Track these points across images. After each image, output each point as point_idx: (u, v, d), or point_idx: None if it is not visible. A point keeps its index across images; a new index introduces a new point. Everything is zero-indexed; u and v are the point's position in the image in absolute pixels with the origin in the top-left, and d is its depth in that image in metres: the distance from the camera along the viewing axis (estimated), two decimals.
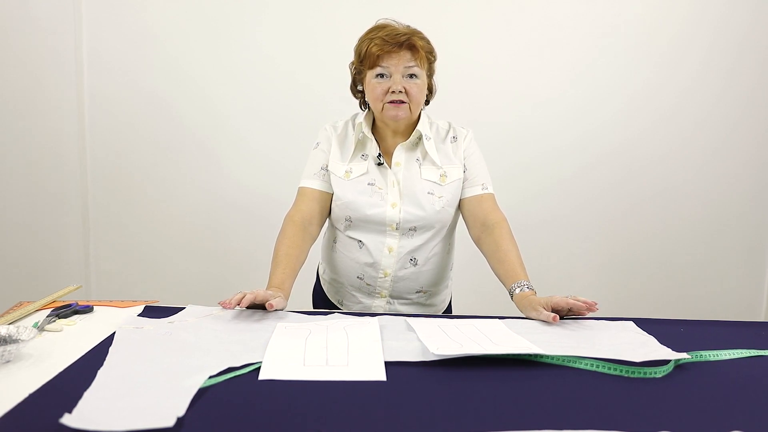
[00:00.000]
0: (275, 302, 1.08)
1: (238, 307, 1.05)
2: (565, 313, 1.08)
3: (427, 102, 1.37)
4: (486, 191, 1.34)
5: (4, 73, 2.40)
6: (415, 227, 1.31)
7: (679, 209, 2.49)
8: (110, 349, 0.88)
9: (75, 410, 0.65)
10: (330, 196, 1.36)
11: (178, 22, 2.39)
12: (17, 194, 2.47)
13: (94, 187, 2.49)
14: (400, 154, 1.33)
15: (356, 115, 1.39)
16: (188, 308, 1.13)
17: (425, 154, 1.33)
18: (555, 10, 2.38)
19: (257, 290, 1.10)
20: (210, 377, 0.77)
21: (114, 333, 0.96)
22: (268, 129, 2.44)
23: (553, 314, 1.05)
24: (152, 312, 1.11)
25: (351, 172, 1.32)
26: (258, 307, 1.11)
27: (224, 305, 1.05)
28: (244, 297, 1.05)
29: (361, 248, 1.33)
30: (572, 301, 1.05)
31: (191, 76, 2.41)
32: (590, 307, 1.05)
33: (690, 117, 2.44)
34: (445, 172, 1.32)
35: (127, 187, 2.48)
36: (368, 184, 1.31)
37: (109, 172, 2.47)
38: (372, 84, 1.26)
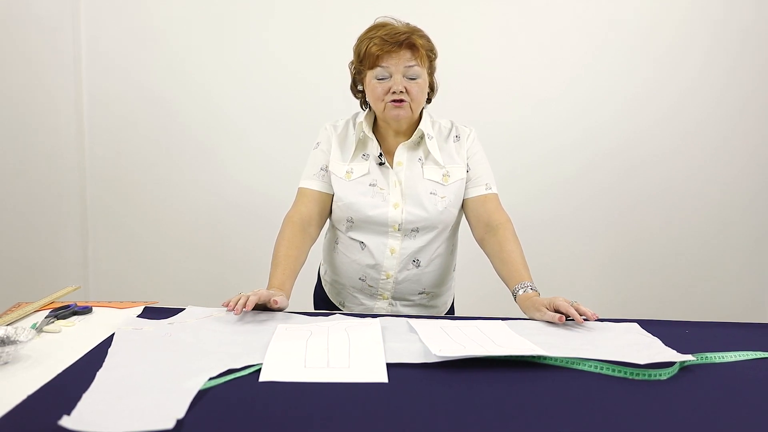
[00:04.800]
0: (279, 299, 1.08)
1: (244, 310, 1.04)
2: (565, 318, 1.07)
3: (429, 100, 1.35)
4: (490, 191, 1.33)
5: (2, 71, 2.39)
6: (417, 228, 1.30)
7: (682, 208, 2.49)
8: (109, 350, 0.87)
9: (74, 412, 0.65)
10: (330, 197, 1.35)
11: (178, 19, 2.38)
12: (15, 193, 2.46)
13: (93, 187, 2.48)
14: (402, 153, 1.32)
15: (357, 114, 1.38)
16: (188, 309, 1.12)
17: (428, 154, 1.32)
18: (555, 9, 2.37)
19: (259, 290, 1.09)
20: (210, 379, 0.77)
21: (113, 334, 0.95)
22: (269, 128, 2.43)
23: (559, 315, 1.04)
24: (152, 313, 1.10)
25: (352, 173, 1.31)
26: (259, 307, 1.10)
27: (230, 309, 1.04)
28: (248, 299, 1.04)
29: (363, 250, 1.32)
30: (572, 309, 1.04)
31: (191, 74, 2.41)
32: (588, 317, 1.04)
33: (691, 116, 2.44)
34: (447, 171, 1.31)
35: (126, 187, 2.48)
36: (370, 184, 1.30)
37: (108, 172, 2.47)
38: (372, 84, 1.25)
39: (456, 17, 2.37)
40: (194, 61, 2.40)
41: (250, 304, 1.04)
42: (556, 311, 1.06)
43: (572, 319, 1.05)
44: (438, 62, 1.32)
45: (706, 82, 2.42)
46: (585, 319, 1.05)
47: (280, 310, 1.12)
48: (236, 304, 1.04)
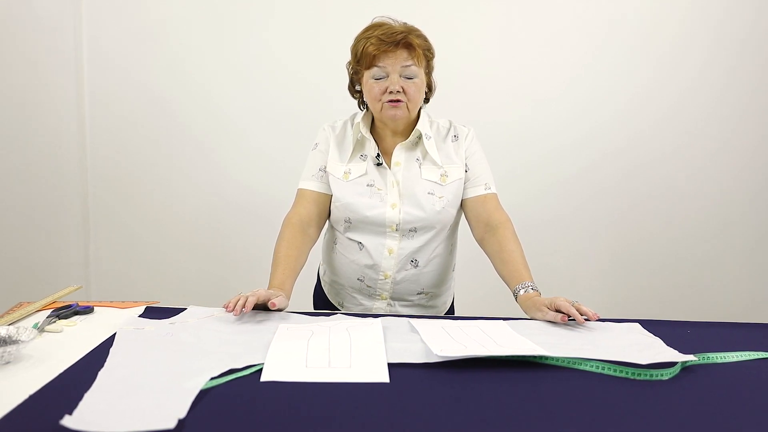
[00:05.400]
0: (277, 301, 1.08)
1: (243, 311, 1.04)
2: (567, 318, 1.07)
3: (426, 100, 1.35)
4: (489, 191, 1.33)
5: (3, 71, 2.39)
6: (415, 228, 1.30)
7: (683, 208, 2.49)
8: (111, 350, 0.87)
9: (75, 412, 0.65)
10: (329, 198, 1.35)
11: (179, 19, 2.38)
12: (17, 193, 2.47)
13: (94, 187, 2.48)
14: (399, 153, 1.32)
15: (355, 114, 1.38)
16: (189, 309, 1.12)
17: (425, 154, 1.32)
18: (555, 9, 2.37)
19: (258, 290, 1.09)
20: (211, 379, 0.77)
21: (115, 334, 0.95)
22: (269, 128, 2.43)
23: (561, 314, 1.04)
24: (153, 313, 1.11)
25: (350, 173, 1.31)
26: (260, 307, 1.10)
27: (229, 310, 1.04)
28: (247, 300, 1.04)
29: (361, 250, 1.32)
30: (573, 309, 1.04)
31: (192, 74, 2.41)
32: (589, 317, 1.04)
33: (693, 115, 2.43)
34: (445, 171, 1.31)
35: (127, 187, 2.48)
36: (367, 185, 1.30)
37: (109, 172, 2.47)
38: (369, 84, 1.25)
39: (456, 17, 2.37)
40: (195, 61, 2.40)
41: (249, 306, 1.03)
42: (558, 311, 1.06)
43: (573, 319, 1.05)
44: (437, 62, 1.31)
45: (706, 82, 2.42)
46: (586, 319, 1.05)
47: (279, 310, 1.12)
48: (235, 305, 1.04)
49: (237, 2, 2.37)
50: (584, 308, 1.04)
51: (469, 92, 2.38)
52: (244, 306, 1.03)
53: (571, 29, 2.38)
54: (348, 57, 1.32)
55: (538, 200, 2.47)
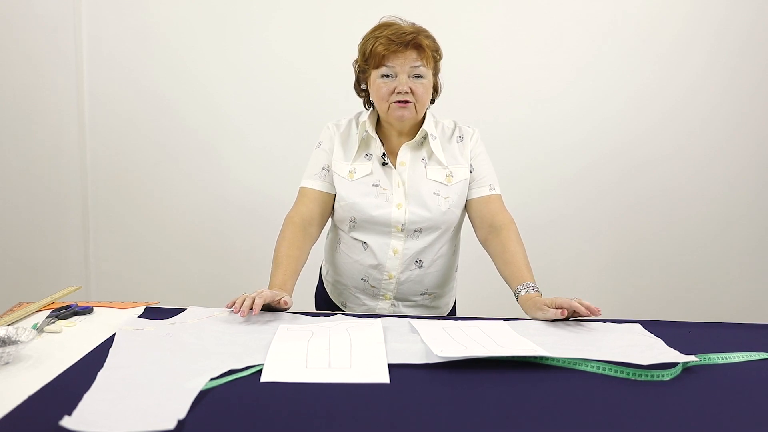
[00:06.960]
0: (288, 299, 1.09)
1: (251, 313, 1.03)
2: (571, 314, 1.07)
3: (432, 101, 1.35)
4: (493, 192, 1.33)
5: (3, 71, 2.39)
6: (420, 228, 1.30)
7: (685, 208, 2.48)
8: (110, 350, 0.87)
9: (75, 412, 0.65)
10: (331, 197, 1.35)
11: (180, 19, 2.38)
12: (17, 194, 2.47)
13: (94, 187, 2.48)
14: (405, 153, 1.31)
15: (360, 113, 1.38)
16: (189, 309, 1.12)
17: (431, 154, 1.32)
18: (559, 8, 2.37)
19: (263, 291, 1.09)
20: (211, 379, 0.76)
21: (114, 334, 0.95)
22: (270, 128, 2.43)
23: (561, 310, 1.04)
24: (153, 313, 1.10)
25: (355, 173, 1.31)
26: (263, 307, 1.09)
27: (235, 310, 1.03)
28: (253, 302, 1.03)
29: (365, 250, 1.32)
30: (576, 303, 1.04)
31: (193, 73, 2.41)
32: (592, 312, 1.03)
33: (695, 115, 2.43)
34: (451, 172, 1.31)
35: (127, 187, 2.48)
36: (373, 185, 1.30)
37: (109, 172, 2.47)
38: (377, 84, 1.25)
39: (456, 16, 2.37)
40: (196, 60, 2.40)
41: (257, 308, 1.03)
42: (559, 309, 1.05)
43: (574, 319, 1.04)
44: (441, 62, 1.31)
45: (709, 81, 2.41)
46: (587, 319, 1.05)
47: (284, 310, 1.12)
48: (241, 305, 1.03)
49: (237, 1, 2.37)
50: (586, 302, 1.04)
51: (471, 92, 2.37)
52: (251, 308, 1.03)
53: (574, 28, 2.38)
54: (351, 55, 1.32)
55: (540, 200, 2.46)
